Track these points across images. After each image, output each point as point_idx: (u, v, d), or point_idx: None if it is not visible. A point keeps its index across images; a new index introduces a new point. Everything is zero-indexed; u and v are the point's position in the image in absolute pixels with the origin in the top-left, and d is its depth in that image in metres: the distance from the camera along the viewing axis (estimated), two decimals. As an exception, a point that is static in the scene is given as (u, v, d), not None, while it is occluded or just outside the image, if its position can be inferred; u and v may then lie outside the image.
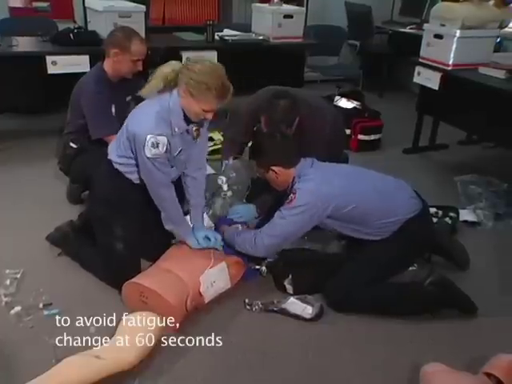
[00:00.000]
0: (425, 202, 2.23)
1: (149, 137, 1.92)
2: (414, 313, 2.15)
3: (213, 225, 2.46)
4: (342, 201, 2.07)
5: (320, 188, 2.04)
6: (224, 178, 2.75)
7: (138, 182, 2.13)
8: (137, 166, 2.07)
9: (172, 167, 2.10)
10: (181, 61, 3.68)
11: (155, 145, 1.93)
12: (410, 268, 2.35)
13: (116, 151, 2.12)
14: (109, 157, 2.15)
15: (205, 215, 2.41)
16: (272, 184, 2.25)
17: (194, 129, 2.10)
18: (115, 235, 2.16)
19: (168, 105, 1.99)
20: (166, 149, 1.97)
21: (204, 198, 2.36)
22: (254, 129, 2.63)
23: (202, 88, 1.91)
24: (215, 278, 2.12)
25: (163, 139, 1.94)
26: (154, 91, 2.03)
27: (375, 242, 2.15)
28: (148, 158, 1.96)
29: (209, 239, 2.20)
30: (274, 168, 2.14)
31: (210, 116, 2.02)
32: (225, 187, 2.74)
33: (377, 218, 2.12)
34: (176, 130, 2.01)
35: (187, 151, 2.12)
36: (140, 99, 3.05)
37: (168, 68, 2.02)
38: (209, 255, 2.17)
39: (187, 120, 2.03)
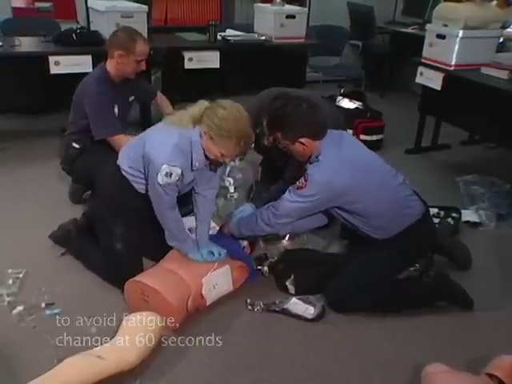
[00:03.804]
0: (426, 204, 2.22)
1: (164, 166, 1.93)
2: (413, 307, 2.16)
3: (217, 227, 2.45)
4: (350, 197, 2.05)
5: (330, 182, 2.01)
6: (231, 180, 2.73)
7: (143, 192, 2.12)
8: (145, 180, 2.08)
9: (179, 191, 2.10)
10: (183, 61, 3.76)
11: (169, 174, 1.94)
12: (412, 268, 2.35)
13: (127, 161, 2.12)
14: (118, 163, 2.15)
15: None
16: (295, 156, 2.18)
17: (214, 166, 2.15)
18: (115, 235, 2.16)
19: (190, 139, 1.99)
20: (179, 178, 1.97)
21: (211, 214, 2.35)
22: (257, 131, 2.62)
23: (222, 134, 1.93)
24: (218, 281, 2.12)
25: (177, 170, 1.94)
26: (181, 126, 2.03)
27: (377, 242, 2.14)
28: (159, 184, 1.97)
29: (213, 254, 2.19)
30: (301, 140, 2.06)
31: (228, 160, 2.04)
32: (231, 189, 2.73)
33: (383, 219, 2.11)
34: (197, 164, 2.02)
35: (200, 179, 2.15)
36: (141, 99, 3.06)
37: (196, 109, 2.02)
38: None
39: (207, 156, 2.05)
